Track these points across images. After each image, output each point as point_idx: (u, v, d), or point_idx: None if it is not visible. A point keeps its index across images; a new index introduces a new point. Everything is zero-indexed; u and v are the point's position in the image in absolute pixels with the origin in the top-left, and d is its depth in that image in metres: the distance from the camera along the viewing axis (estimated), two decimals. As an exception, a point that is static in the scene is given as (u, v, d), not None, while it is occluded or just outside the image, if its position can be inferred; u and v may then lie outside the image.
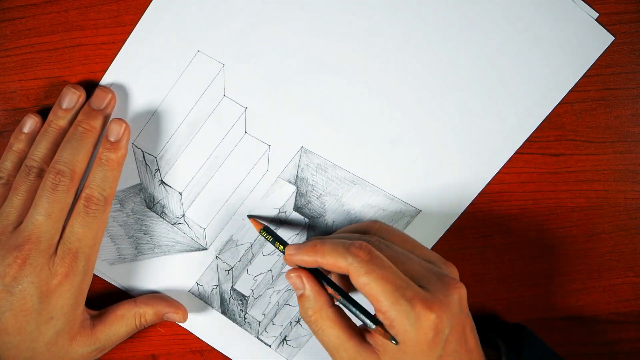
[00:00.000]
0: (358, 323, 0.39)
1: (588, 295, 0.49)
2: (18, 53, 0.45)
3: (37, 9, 0.45)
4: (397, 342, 0.36)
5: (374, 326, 0.37)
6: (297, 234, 0.47)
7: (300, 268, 0.40)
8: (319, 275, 0.40)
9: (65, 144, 0.42)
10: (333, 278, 0.42)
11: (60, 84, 0.45)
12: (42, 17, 0.45)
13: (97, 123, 0.43)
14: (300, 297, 0.40)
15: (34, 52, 0.45)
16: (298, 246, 0.40)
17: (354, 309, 0.38)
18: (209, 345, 0.51)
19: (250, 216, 0.47)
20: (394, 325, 0.35)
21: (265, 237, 0.43)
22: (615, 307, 0.49)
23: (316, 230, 0.47)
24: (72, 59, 0.45)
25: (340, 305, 0.39)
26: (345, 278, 0.40)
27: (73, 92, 0.43)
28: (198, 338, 0.50)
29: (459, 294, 0.37)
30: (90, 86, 0.45)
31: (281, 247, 0.42)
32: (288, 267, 0.45)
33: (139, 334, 0.50)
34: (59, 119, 0.43)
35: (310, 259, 0.38)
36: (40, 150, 0.42)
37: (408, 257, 0.39)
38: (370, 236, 0.40)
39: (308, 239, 0.44)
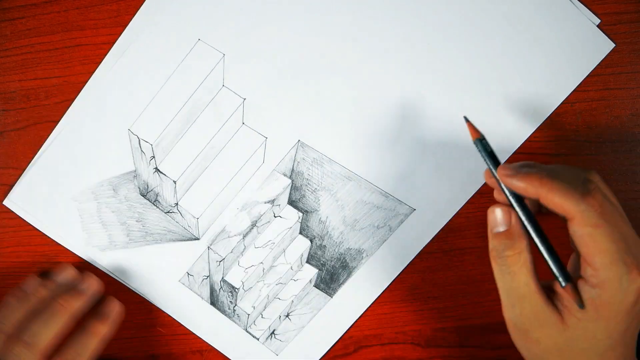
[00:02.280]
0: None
1: (588, 298, 0.52)
2: (18, 53, 0.50)
3: (37, 9, 0.49)
4: (582, 306, 0.37)
5: (564, 284, 0.38)
6: (290, 227, 0.52)
7: (507, 205, 0.40)
8: (524, 215, 0.40)
9: (38, 315, 0.46)
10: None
11: (61, 84, 0.50)
12: (42, 17, 0.49)
13: (78, 304, 0.48)
14: (500, 235, 0.40)
15: (34, 52, 0.50)
16: (517, 170, 0.39)
17: (551, 260, 0.39)
18: (209, 345, 0.54)
19: (467, 118, 0.43)
20: (604, 284, 0.37)
21: (479, 149, 0.42)
22: (615, 310, 0.52)
23: (310, 224, 0.51)
24: (72, 59, 0.50)
25: (542, 250, 0.39)
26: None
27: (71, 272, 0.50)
28: (198, 338, 0.54)
29: None
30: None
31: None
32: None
33: (139, 333, 0.55)
34: (44, 290, 0.49)
35: (532, 189, 0.38)
36: (16, 317, 0.47)
37: (625, 221, 0.39)
38: (596, 185, 0.40)
39: (522, 163, 0.41)
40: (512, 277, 0.39)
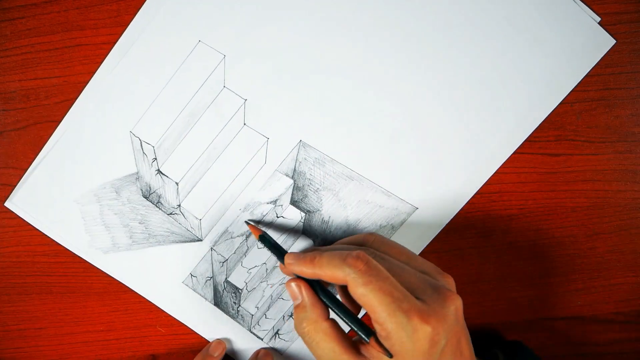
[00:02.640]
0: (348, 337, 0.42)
1: (588, 295, 0.53)
2: (18, 53, 0.50)
3: (37, 9, 0.49)
4: (391, 355, 0.39)
5: (367, 339, 0.40)
6: (293, 227, 0.52)
7: (300, 278, 0.44)
8: (317, 286, 0.43)
9: None
10: (337, 290, 0.46)
11: (61, 84, 0.50)
12: (42, 17, 0.49)
13: None
14: (297, 308, 0.43)
15: (34, 52, 0.50)
16: (297, 256, 0.43)
17: (349, 321, 0.41)
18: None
19: (248, 222, 0.51)
20: (391, 336, 0.38)
21: (263, 244, 0.47)
22: (615, 307, 0.53)
23: (312, 224, 0.52)
24: (72, 59, 0.50)
25: (336, 317, 0.42)
26: (346, 290, 0.44)
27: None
28: (198, 338, 0.55)
29: (455, 306, 0.40)
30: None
31: (279, 256, 0.46)
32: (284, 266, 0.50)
33: (139, 333, 0.55)
34: None
35: (308, 271, 0.42)
36: None
37: (404, 268, 0.42)
38: (367, 248, 0.44)
39: (306, 249, 0.47)
40: (317, 345, 0.42)
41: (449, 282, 0.43)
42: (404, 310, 0.38)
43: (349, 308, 0.44)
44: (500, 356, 0.49)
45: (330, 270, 0.40)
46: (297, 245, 0.53)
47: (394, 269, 0.41)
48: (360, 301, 0.39)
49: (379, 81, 0.48)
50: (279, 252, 0.46)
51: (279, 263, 0.46)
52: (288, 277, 0.53)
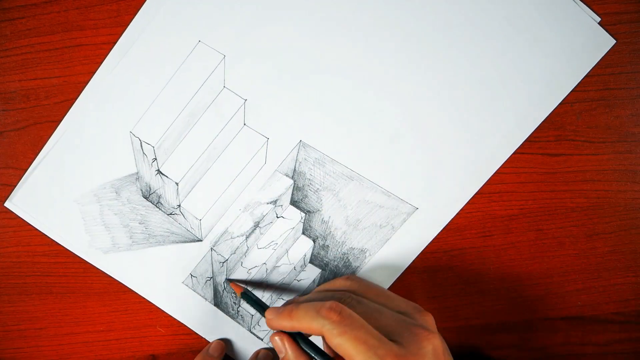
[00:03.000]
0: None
1: (588, 295, 0.53)
2: (18, 53, 0.50)
3: (37, 9, 0.49)
4: None
5: None
6: (293, 228, 0.53)
7: (281, 332, 0.45)
8: (298, 338, 0.45)
9: None
10: (322, 340, 0.47)
11: (61, 84, 0.50)
12: (42, 17, 0.49)
13: None
14: None
15: (34, 52, 0.50)
16: (276, 311, 0.45)
17: None
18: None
19: (230, 280, 0.53)
20: None
21: (246, 300, 0.49)
22: (615, 307, 0.53)
23: (312, 224, 0.52)
24: (72, 59, 0.50)
25: None
26: None
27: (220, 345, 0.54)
28: (198, 338, 0.55)
29: (433, 345, 0.41)
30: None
31: (262, 311, 0.47)
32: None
33: (139, 333, 0.56)
34: None
35: (288, 325, 0.43)
36: None
37: (380, 311, 0.43)
38: (343, 293, 0.45)
39: (287, 302, 0.49)
40: None
41: (427, 321, 0.44)
42: (380, 356, 0.39)
43: (332, 356, 0.45)
44: None
45: (307, 323, 0.42)
46: (297, 245, 0.53)
47: (371, 313, 0.42)
48: (337, 351, 0.40)
49: (379, 81, 0.49)
50: (261, 307, 0.48)
51: (263, 318, 0.48)
52: (289, 278, 0.54)
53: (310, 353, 0.44)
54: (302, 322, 0.42)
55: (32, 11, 0.50)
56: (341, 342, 0.40)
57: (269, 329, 0.48)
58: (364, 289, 0.47)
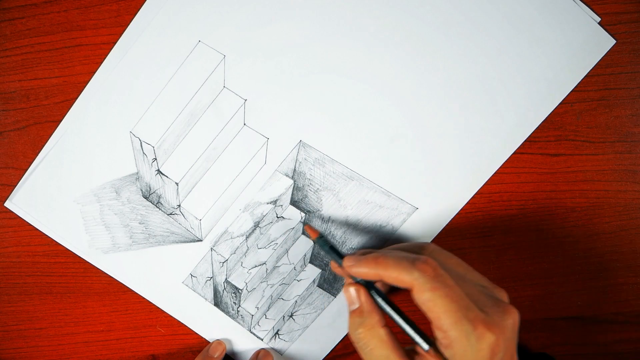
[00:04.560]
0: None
1: (588, 295, 0.53)
2: (18, 53, 0.50)
3: (37, 9, 0.49)
4: None
5: (427, 347, 0.40)
6: (293, 228, 0.52)
7: (357, 283, 0.43)
8: (375, 293, 0.43)
9: None
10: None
11: (60, 84, 0.50)
12: (42, 17, 0.50)
13: None
14: (353, 313, 0.43)
15: (34, 52, 0.50)
16: (357, 258, 0.43)
17: (408, 328, 0.41)
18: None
19: (305, 223, 0.52)
20: (453, 345, 0.39)
21: (321, 245, 0.46)
22: (615, 307, 0.53)
23: (312, 224, 0.52)
24: (72, 59, 0.50)
25: (399, 321, 0.42)
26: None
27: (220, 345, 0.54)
28: (198, 338, 0.55)
29: (514, 319, 0.41)
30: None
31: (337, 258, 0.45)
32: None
33: (139, 333, 0.56)
34: None
35: (371, 272, 0.42)
36: None
37: (464, 279, 0.42)
38: (427, 256, 0.43)
39: (363, 250, 0.47)
40: (371, 351, 0.42)
41: (505, 296, 0.44)
42: (470, 318, 0.38)
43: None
44: None
45: (397, 272, 0.40)
46: (297, 245, 0.53)
47: (455, 279, 0.41)
48: (424, 306, 0.40)
49: (379, 81, 0.49)
50: (337, 254, 0.45)
51: (331, 264, 0.46)
52: (289, 278, 0.54)
53: (386, 308, 0.42)
54: (390, 270, 0.41)
55: (32, 11, 0.50)
56: (432, 298, 0.39)
57: (340, 274, 0.46)
58: (445, 257, 0.45)
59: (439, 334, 0.39)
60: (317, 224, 0.52)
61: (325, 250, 0.46)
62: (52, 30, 0.50)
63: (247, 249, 0.53)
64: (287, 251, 0.53)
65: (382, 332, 0.42)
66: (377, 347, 0.41)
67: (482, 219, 0.52)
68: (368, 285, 0.43)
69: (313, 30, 0.48)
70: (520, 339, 0.54)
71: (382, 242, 0.52)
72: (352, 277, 0.43)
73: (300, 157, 0.50)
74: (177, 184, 0.51)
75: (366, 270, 0.42)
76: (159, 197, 0.52)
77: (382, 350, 0.41)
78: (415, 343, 0.41)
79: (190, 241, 0.53)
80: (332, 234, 0.52)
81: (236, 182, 0.51)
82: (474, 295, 0.41)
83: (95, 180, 0.52)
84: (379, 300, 0.43)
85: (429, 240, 0.52)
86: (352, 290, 0.43)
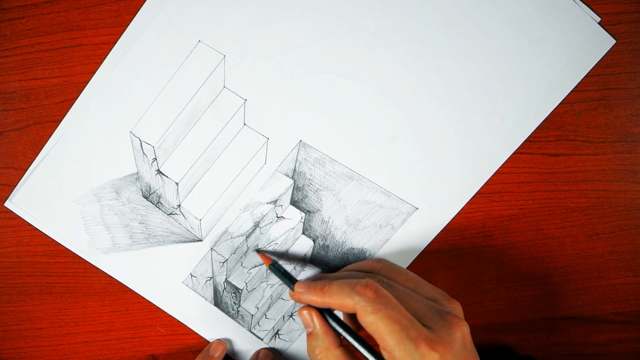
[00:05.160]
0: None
1: (588, 295, 0.53)
2: (18, 53, 0.50)
3: (37, 9, 0.50)
4: None
5: None
6: (293, 228, 0.53)
7: (311, 306, 0.45)
8: (328, 314, 0.45)
9: None
10: (343, 317, 0.47)
11: (60, 84, 0.50)
12: (42, 17, 0.50)
13: None
14: (309, 335, 0.45)
15: (34, 52, 0.50)
16: (306, 285, 0.45)
17: (361, 348, 0.42)
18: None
19: (259, 251, 0.52)
20: None
21: (274, 272, 0.49)
22: (615, 307, 0.53)
23: (312, 224, 0.53)
24: (72, 59, 0.50)
25: (352, 342, 0.43)
26: (354, 317, 0.45)
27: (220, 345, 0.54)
28: (198, 338, 0.55)
29: (462, 332, 0.41)
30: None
31: (290, 284, 0.47)
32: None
33: (139, 333, 0.56)
34: None
35: (319, 300, 0.43)
36: None
37: (411, 296, 0.43)
38: (374, 275, 0.45)
39: (315, 277, 0.49)
40: None
41: (456, 309, 0.44)
42: (412, 338, 0.39)
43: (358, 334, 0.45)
44: None
45: (340, 299, 0.42)
46: (297, 245, 0.53)
47: (401, 297, 0.42)
48: (368, 329, 0.40)
49: (379, 81, 0.49)
50: (290, 280, 0.47)
51: (288, 290, 0.47)
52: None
53: (338, 329, 0.44)
54: (334, 297, 0.42)
55: (32, 11, 0.50)
56: (374, 320, 0.40)
57: (295, 301, 0.48)
58: (394, 273, 0.46)
59: (385, 355, 0.40)
60: (317, 224, 0.52)
61: (278, 276, 0.48)
62: (52, 30, 0.50)
63: (247, 249, 0.53)
64: (287, 251, 0.53)
65: (337, 353, 0.43)
66: None
67: (482, 219, 0.52)
68: (322, 308, 0.45)
69: (313, 30, 0.48)
70: (514, 340, 0.54)
71: (382, 242, 0.52)
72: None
73: (300, 157, 0.50)
74: (177, 184, 0.51)
75: (314, 298, 0.44)
76: (159, 197, 0.52)
77: None
78: None
79: (190, 241, 0.53)
80: (332, 234, 0.52)
81: (236, 182, 0.51)
82: (421, 311, 0.42)
83: (95, 180, 0.52)
84: (332, 322, 0.44)
85: (429, 240, 0.52)
86: (305, 313, 0.45)
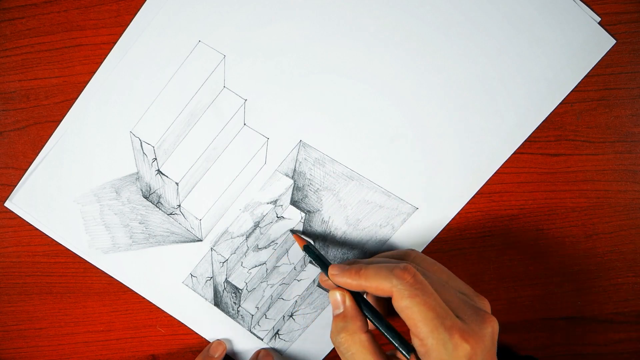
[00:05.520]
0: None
1: (588, 295, 0.53)
2: (18, 53, 0.50)
3: (37, 9, 0.50)
4: None
5: (408, 355, 0.40)
6: (293, 228, 0.52)
7: (343, 288, 0.44)
8: (359, 299, 0.44)
9: None
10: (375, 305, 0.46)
11: (60, 84, 0.50)
12: (42, 17, 0.50)
13: None
14: (337, 317, 0.44)
15: (34, 52, 0.50)
16: (341, 268, 0.44)
17: (390, 335, 0.42)
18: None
19: (293, 231, 0.52)
20: (430, 352, 0.39)
21: (308, 254, 0.48)
22: (615, 307, 0.53)
23: (312, 224, 0.53)
24: (72, 59, 0.50)
25: (380, 329, 0.42)
26: (384, 305, 0.45)
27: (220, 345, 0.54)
28: (198, 338, 0.55)
29: (492, 329, 0.41)
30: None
31: (322, 267, 0.46)
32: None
33: (139, 333, 0.56)
34: None
35: (354, 282, 0.42)
36: None
37: (445, 287, 0.42)
38: (409, 263, 0.44)
39: (349, 261, 0.48)
40: (352, 356, 0.42)
41: (486, 305, 0.44)
42: (447, 327, 0.38)
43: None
44: None
45: (377, 282, 0.41)
46: (297, 245, 0.53)
47: (435, 286, 0.41)
48: (403, 314, 0.40)
49: (379, 81, 0.49)
50: (323, 263, 0.46)
51: (319, 274, 0.47)
52: (289, 278, 0.54)
53: (368, 315, 0.43)
54: (371, 280, 0.41)
55: (32, 11, 0.50)
56: (410, 305, 0.39)
57: (325, 286, 0.46)
58: (427, 263, 0.46)
59: (416, 342, 0.40)
60: (317, 224, 0.52)
61: (312, 257, 0.47)
62: (52, 30, 0.50)
63: (247, 249, 0.53)
64: (287, 251, 0.53)
65: (363, 338, 0.42)
66: (359, 352, 0.42)
67: (482, 219, 0.52)
68: (354, 293, 0.44)
69: (313, 30, 0.48)
70: (514, 340, 0.54)
71: (382, 242, 0.52)
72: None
73: (300, 157, 0.50)
74: (177, 184, 0.51)
75: (349, 280, 0.43)
76: (159, 197, 0.52)
77: (363, 355, 0.42)
78: (397, 350, 0.41)
79: (190, 241, 0.53)
80: (332, 234, 0.52)
81: (236, 182, 0.51)
82: (454, 302, 0.41)
83: (95, 180, 0.52)
84: (363, 306, 0.43)
85: (429, 240, 0.52)
86: (337, 294, 0.44)
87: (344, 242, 0.52)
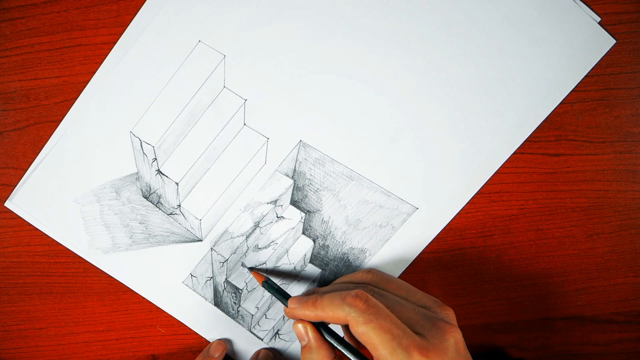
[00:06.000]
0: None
1: (588, 295, 0.53)
2: (18, 53, 0.50)
3: (37, 9, 0.49)
4: None
5: None
6: (293, 228, 0.52)
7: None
8: (321, 327, 0.45)
9: None
10: (342, 331, 0.47)
11: (60, 84, 0.50)
12: (42, 17, 0.50)
13: None
14: (304, 348, 0.45)
15: (34, 52, 0.50)
16: (299, 300, 0.45)
17: (355, 359, 0.43)
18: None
19: (251, 269, 0.53)
20: None
21: (267, 289, 0.49)
22: (615, 307, 0.53)
23: (312, 224, 0.53)
24: (72, 59, 0.50)
25: (345, 353, 0.44)
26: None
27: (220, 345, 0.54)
28: (198, 338, 0.55)
29: (455, 338, 0.41)
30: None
31: (284, 300, 0.47)
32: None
33: (139, 333, 0.56)
34: None
35: (312, 314, 0.44)
36: None
37: (402, 304, 0.43)
38: (365, 285, 0.46)
39: (307, 292, 0.49)
40: None
41: (449, 315, 0.44)
42: (404, 346, 0.39)
43: (353, 346, 0.45)
44: None
45: (332, 311, 0.42)
46: (297, 245, 0.53)
47: (392, 305, 0.42)
48: (361, 339, 0.41)
49: (379, 81, 0.49)
50: (283, 296, 0.48)
51: (283, 307, 0.47)
52: (290, 278, 0.54)
53: (333, 342, 0.44)
54: (326, 310, 0.42)
55: (32, 11, 0.50)
56: (366, 331, 0.40)
57: (290, 318, 0.47)
58: (385, 282, 0.47)
59: None
60: (317, 224, 0.52)
61: (272, 292, 0.48)
62: (52, 30, 0.50)
63: (247, 249, 0.53)
64: (287, 251, 0.53)
65: None
66: None
67: (482, 219, 0.52)
68: (317, 322, 0.45)
69: (313, 30, 0.48)
70: (514, 340, 0.54)
71: (382, 242, 0.52)
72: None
73: (300, 157, 0.50)
74: (177, 184, 0.51)
75: (307, 312, 0.44)
76: (159, 197, 0.52)
77: None
78: None
79: (190, 241, 0.53)
80: (332, 234, 0.52)
81: (236, 182, 0.51)
82: (412, 319, 0.42)
83: (95, 180, 0.52)
84: (326, 335, 0.45)
85: (429, 240, 0.52)
86: (299, 326, 0.45)
87: (344, 242, 0.52)
